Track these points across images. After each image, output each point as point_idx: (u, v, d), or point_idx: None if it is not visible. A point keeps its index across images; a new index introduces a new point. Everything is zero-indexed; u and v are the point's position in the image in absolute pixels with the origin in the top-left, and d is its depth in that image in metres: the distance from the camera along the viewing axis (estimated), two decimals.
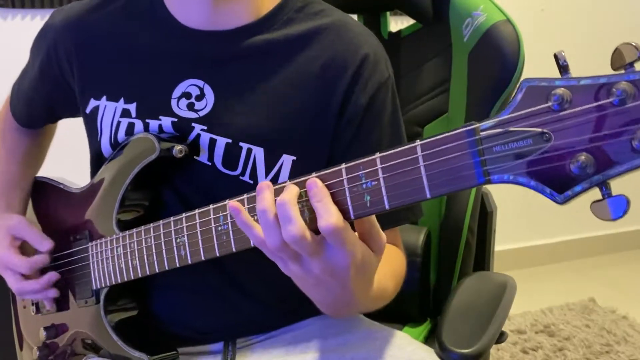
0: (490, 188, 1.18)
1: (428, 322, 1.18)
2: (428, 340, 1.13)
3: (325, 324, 0.91)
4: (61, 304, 0.98)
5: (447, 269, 1.15)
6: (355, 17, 1.12)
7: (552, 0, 2.61)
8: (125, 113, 0.87)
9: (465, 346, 0.83)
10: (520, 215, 2.64)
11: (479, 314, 0.92)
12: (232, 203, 0.64)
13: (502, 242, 2.23)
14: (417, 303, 1.15)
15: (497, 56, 0.99)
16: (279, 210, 0.59)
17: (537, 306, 2.38)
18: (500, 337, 0.92)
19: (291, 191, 0.61)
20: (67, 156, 1.33)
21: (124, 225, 0.86)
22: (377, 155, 0.58)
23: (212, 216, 0.71)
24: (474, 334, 0.86)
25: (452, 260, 1.14)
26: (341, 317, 0.90)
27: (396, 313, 1.10)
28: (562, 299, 2.44)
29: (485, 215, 1.17)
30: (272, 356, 0.88)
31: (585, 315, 2.33)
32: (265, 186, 0.62)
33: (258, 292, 0.89)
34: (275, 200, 0.60)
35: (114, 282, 0.86)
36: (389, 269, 0.79)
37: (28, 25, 1.96)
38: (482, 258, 1.19)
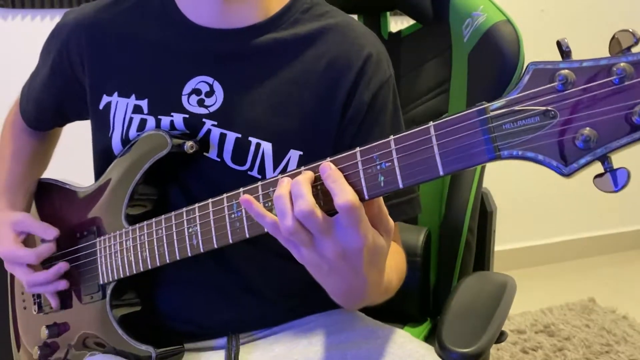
0: (490, 188, 1.18)
1: (428, 322, 1.18)
2: (428, 340, 1.13)
3: (327, 321, 0.92)
4: (65, 301, 0.98)
5: (447, 269, 1.15)
6: (355, 17, 1.12)
7: (552, 0, 2.61)
8: (137, 109, 0.88)
9: (465, 346, 0.83)
10: (520, 215, 2.64)
11: (479, 313, 0.92)
12: (244, 196, 0.66)
13: (502, 242, 2.23)
14: (417, 303, 1.15)
15: (497, 56, 0.99)
16: (293, 190, 0.62)
17: (537, 306, 2.37)
18: (500, 337, 0.92)
19: (306, 174, 0.63)
20: (64, 157, 1.33)
21: (132, 220, 0.87)
22: (391, 137, 0.60)
23: (225, 204, 0.73)
24: (473, 334, 0.86)
25: (452, 260, 1.14)
26: (352, 309, 0.91)
27: (396, 313, 1.10)
28: (562, 299, 2.44)
29: (485, 215, 1.17)
30: (275, 352, 0.89)
31: (585, 315, 2.33)
32: (285, 177, 0.65)
33: (261, 288, 0.90)
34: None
35: (122, 276, 0.87)
36: (394, 263, 0.81)
37: (28, 25, 1.95)
38: (482, 258, 1.19)
